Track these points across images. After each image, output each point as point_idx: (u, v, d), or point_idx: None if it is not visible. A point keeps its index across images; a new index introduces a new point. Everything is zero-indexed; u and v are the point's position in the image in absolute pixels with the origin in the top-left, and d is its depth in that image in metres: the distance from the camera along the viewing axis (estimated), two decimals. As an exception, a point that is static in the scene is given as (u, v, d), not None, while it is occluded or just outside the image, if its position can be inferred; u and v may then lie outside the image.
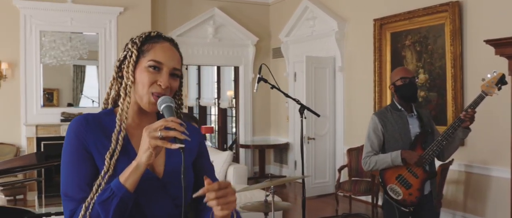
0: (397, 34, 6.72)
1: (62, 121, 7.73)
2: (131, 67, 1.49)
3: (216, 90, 12.22)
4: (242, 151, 9.70)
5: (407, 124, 3.41)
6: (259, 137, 9.70)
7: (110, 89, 1.58)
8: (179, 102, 1.63)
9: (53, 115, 7.76)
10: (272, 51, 9.73)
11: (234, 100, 10.52)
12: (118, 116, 1.48)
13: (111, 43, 8.14)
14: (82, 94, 8.46)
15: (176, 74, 1.51)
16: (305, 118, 3.72)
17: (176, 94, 1.61)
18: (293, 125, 9.02)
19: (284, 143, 9.25)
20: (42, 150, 7.64)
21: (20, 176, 6.69)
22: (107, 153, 1.43)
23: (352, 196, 6.71)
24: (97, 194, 1.38)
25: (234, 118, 11.03)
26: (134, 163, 1.37)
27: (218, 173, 6.67)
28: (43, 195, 6.53)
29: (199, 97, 13.15)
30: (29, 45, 7.61)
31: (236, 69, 9.92)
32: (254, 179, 9.25)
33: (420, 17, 6.32)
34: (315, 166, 7.77)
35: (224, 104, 11.68)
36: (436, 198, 3.49)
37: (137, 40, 1.52)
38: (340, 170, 6.78)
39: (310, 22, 8.31)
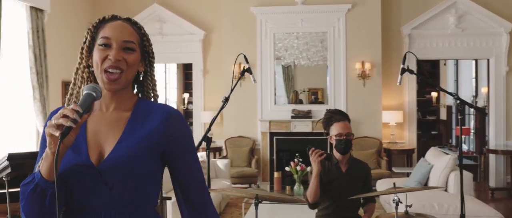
0: None
1: (292, 117, 8.13)
2: (84, 51, 1.52)
3: (474, 87, 10.86)
4: (492, 157, 8.37)
5: None
6: (514, 141, 8.19)
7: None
8: (151, 84, 1.61)
9: (285, 112, 8.24)
10: (533, 39, 8.09)
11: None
12: (66, 99, 1.53)
13: (339, 41, 8.15)
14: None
15: (129, 48, 1.49)
16: (460, 116, 2.98)
17: (147, 75, 1.59)
18: (556, 128, 7.31)
19: (545, 149, 7.58)
20: (274, 144, 8.21)
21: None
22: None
23: None
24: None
25: (491, 119, 9.59)
26: (45, 151, 1.36)
27: (438, 178, 5.93)
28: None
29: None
30: (264, 48, 8.28)
31: (485, 63, 8.62)
32: (506, 190, 7.90)
33: None
34: None
35: (480, 103, 10.29)
36: None
37: (90, 27, 1.53)
38: None
39: None
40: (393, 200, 2.88)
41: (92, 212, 1.44)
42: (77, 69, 1.53)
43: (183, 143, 1.57)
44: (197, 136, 8.86)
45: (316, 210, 3.58)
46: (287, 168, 6.56)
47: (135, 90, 1.63)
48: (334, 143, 3.48)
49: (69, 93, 1.52)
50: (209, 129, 3.14)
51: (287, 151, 8.16)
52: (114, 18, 1.53)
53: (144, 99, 1.59)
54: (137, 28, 1.55)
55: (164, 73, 11.99)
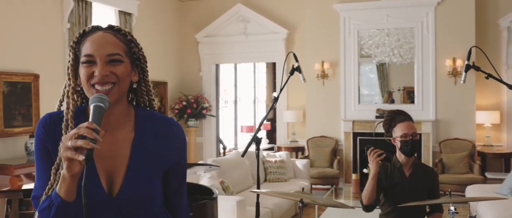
0: None
1: (376, 117, 7.83)
2: (70, 71, 1.45)
3: None
4: None
5: None
6: None
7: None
8: (146, 89, 1.54)
9: (369, 112, 7.96)
10: None
11: None
12: (63, 125, 1.41)
13: (428, 36, 7.70)
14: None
15: (116, 60, 1.39)
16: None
17: (141, 82, 1.52)
18: None
19: None
20: (358, 144, 7.96)
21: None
22: (53, 167, 1.37)
23: None
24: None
25: None
26: (62, 173, 1.29)
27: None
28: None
29: None
30: (348, 45, 8.05)
31: None
32: None
33: None
34: None
35: None
36: None
37: (72, 43, 1.46)
38: None
39: None
40: (449, 210, 2.62)
41: None
42: (67, 92, 1.46)
43: (182, 159, 1.58)
44: (280, 135, 8.86)
45: (378, 216, 3.41)
46: (365, 170, 6.34)
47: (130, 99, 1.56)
48: (398, 145, 3.28)
49: (64, 119, 1.41)
50: (258, 129, 3.10)
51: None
52: (95, 29, 1.44)
53: (141, 110, 1.53)
54: (122, 35, 1.45)
55: (253, 72, 12.15)
